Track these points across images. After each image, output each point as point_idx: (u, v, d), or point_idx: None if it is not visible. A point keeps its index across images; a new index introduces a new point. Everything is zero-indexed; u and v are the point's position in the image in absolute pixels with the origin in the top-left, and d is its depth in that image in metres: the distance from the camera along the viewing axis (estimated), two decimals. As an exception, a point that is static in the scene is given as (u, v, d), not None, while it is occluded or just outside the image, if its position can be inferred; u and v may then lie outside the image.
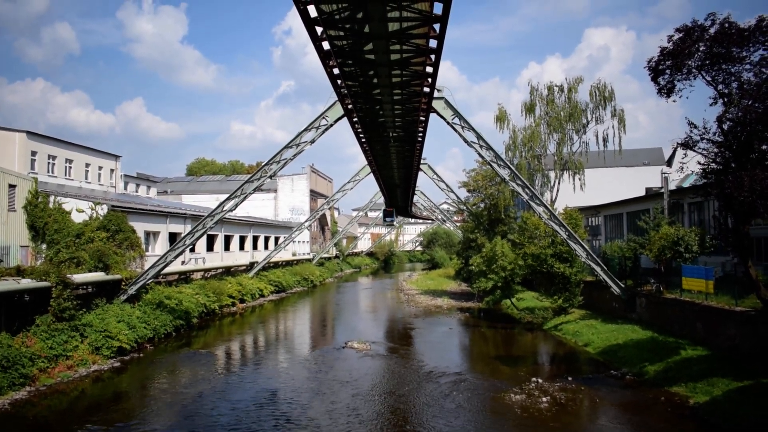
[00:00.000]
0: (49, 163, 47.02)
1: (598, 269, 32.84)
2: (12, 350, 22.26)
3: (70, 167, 49.87)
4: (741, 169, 19.75)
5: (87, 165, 52.38)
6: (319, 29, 19.73)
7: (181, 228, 45.00)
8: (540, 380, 23.23)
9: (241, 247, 59.35)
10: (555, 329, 34.84)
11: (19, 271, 26.34)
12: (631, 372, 24.03)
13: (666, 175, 36.94)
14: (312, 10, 18.21)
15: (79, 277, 28.84)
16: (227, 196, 34.61)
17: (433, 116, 31.57)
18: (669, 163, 58.16)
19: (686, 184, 41.28)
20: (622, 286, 32.90)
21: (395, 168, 49.69)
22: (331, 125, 32.40)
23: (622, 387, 22.55)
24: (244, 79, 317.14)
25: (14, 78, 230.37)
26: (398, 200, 72.31)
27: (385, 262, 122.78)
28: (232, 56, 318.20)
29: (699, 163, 22.44)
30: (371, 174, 58.63)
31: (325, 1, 17.59)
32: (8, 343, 22.44)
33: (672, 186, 38.55)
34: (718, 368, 21.24)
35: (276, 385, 24.06)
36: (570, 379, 23.51)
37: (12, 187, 33.91)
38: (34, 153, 45.22)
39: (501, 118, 49.97)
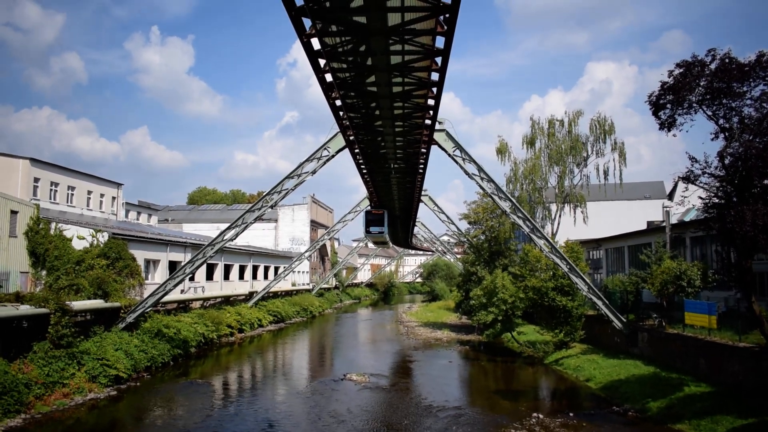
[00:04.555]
0: (51, 189, 47.23)
1: (599, 303, 32.60)
2: (8, 377, 22.03)
3: (72, 194, 50.06)
4: (743, 203, 19.78)
5: (89, 192, 52.58)
6: (322, 61, 19.94)
7: (181, 256, 44.90)
8: (541, 416, 22.91)
9: (241, 277, 59.12)
10: (556, 363, 34.47)
11: (18, 297, 26.26)
12: (633, 408, 23.68)
13: (668, 208, 36.89)
14: (315, 43, 18.45)
15: (78, 305, 28.70)
16: (228, 225, 34.60)
17: (435, 147, 31.68)
18: (670, 196, 58.09)
19: (688, 218, 41.27)
20: (624, 320, 32.61)
21: (396, 199, 49.76)
22: (333, 156, 32.50)
23: (625, 423, 22.22)
24: (248, 109, 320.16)
25: (21, 106, 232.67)
26: (399, 231, 72.22)
27: (384, 294, 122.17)
28: (237, 87, 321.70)
29: (700, 197, 22.46)
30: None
31: (328, 34, 17.83)
32: (5, 370, 22.22)
33: (674, 220, 38.51)
34: (721, 405, 20.98)
35: (273, 417, 23.74)
36: (571, 414, 23.17)
37: (14, 213, 33.94)
38: (36, 180, 45.45)
39: (502, 151, 50.23)
